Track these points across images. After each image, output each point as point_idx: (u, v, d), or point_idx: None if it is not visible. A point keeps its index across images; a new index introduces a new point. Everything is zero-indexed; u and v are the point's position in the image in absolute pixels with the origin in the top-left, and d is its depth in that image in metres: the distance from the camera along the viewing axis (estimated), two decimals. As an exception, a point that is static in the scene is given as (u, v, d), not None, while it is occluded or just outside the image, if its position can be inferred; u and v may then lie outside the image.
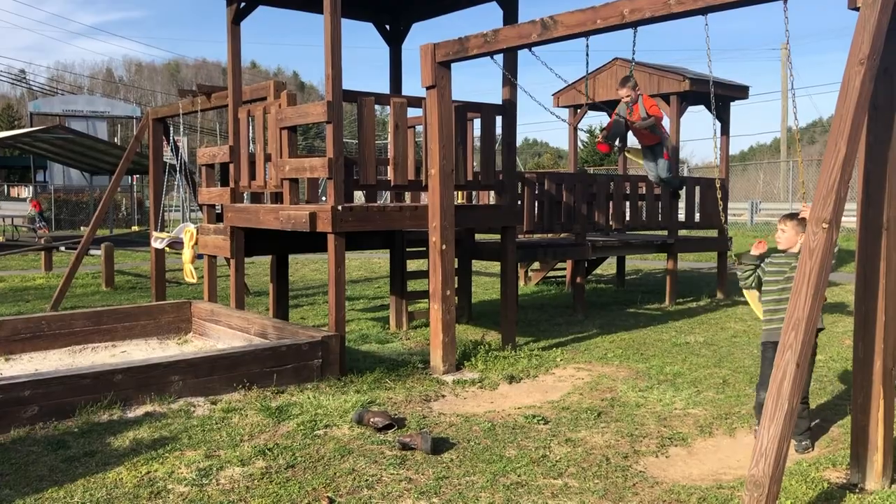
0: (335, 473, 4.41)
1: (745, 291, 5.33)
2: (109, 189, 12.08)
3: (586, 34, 5.46)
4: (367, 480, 4.32)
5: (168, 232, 10.56)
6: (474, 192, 9.96)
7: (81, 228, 26.40)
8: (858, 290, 4.30)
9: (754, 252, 5.07)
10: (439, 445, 4.82)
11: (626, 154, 10.04)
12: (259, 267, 15.29)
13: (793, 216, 5.03)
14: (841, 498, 4.07)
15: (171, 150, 10.80)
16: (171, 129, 10.97)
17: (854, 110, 3.78)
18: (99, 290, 12.54)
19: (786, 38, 4.51)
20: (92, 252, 13.23)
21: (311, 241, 7.86)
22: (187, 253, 9.57)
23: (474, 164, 7.78)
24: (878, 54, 3.88)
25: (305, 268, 16.03)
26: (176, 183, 10.94)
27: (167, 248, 10.57)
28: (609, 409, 5.70)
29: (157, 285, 10.99)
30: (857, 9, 3.98)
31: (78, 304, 10.83)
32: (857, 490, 4.18)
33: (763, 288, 5.03)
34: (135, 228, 21.33)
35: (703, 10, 4.77)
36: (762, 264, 5.05)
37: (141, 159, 15.94)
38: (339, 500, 4.06)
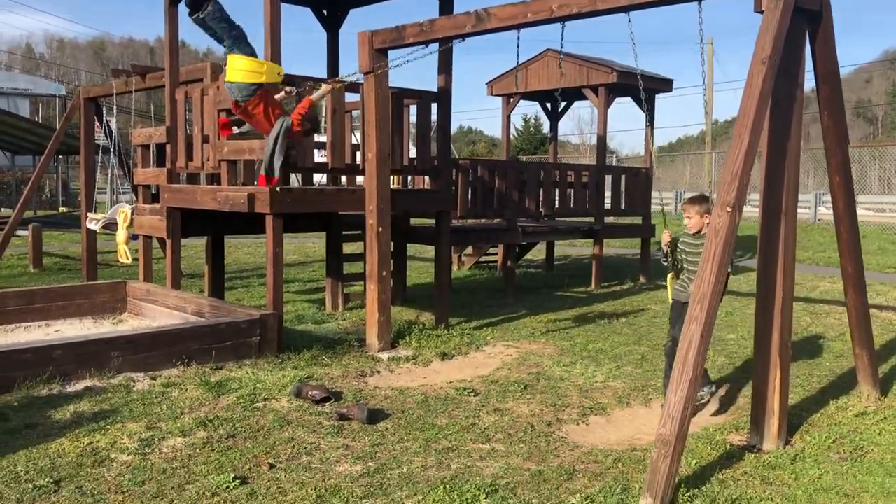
0: (275, 442, 4.62)
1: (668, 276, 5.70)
2: (38, 169, 11.87)
3: (517, 27, 5.75)
4: (305, 448, 4.54)
5: (102, 213, 10.47)
6: (410, 177, 10.18)
7: (2, 210, 25.55)
8: (760, 269, 4.72)
9: (663, 244, 5.53)
10: (375, 416, 5.07)
11: None
12: (191, 250, 15.18)
13: (695, 200, 5.45)
14: (740, 457, 4.49)
15: (104, 131, 10.68)
16: (104, 109, 10.85)
17: (756, 105, 4.16)
18: (26, 272, 12.31)
19: (699, 38, 4.86)
20: (17, 233, 12.97)
21: (247, 223, 7.98)
22: (122, 234, 9.55)
23: (410, 149, 8.00)
24: (778, 54, 4.28)
25: (239, 251, 15.98)
26: (108, 164, 10.83)
27: (101, 230, 10.49)
28: (535, 382, 6.04)
29: (88, 266, 10.90)
30: (761, 12, 4.36)
31: (5, 285, 10.63)
32: (755, 451, 4.61)
33: (684, 264, 5.48)
34: (62, 209, 20.79)
35: (626, 9, 5.10)
36: (678, 248, 5.48)
37: (68, 139, 15.61)
38: (280, 466, 4.27)
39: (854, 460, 4.45)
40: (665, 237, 5.47)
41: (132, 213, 9.18)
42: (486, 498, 3.84)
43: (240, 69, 5.51)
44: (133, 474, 4.08)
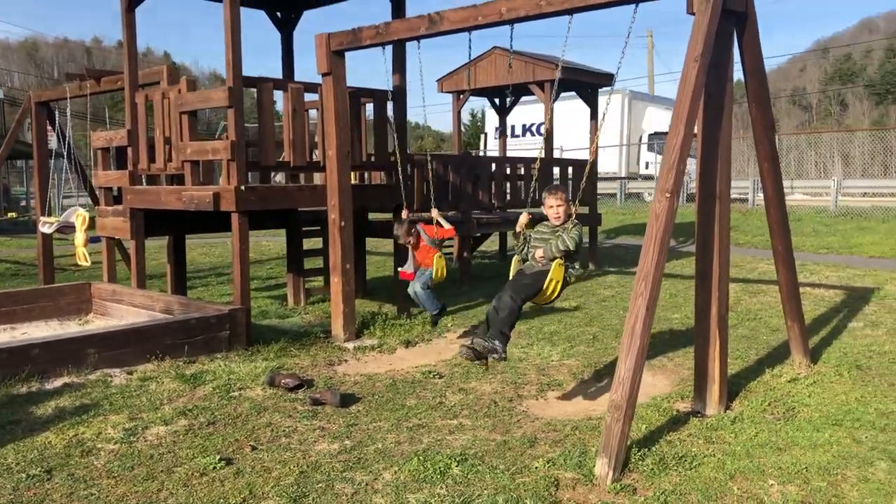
0: (254, 427, 4.89)
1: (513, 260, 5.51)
2: (-11, 174, 11.76)
3: (469, 29, 6.08)
4: (284, 431, 4.82)
5: (56, 217, 10.50)
6: (366, 174, 10.44)
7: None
8: (698, 249, 5.15)
9: (518, 229, 5.38)
10: (347, 399, 5.37)
11: None
12: (147, 252, 15.18)
13: (558, 188, 5.34)
14: (686, 422, 4.92)
15: (57, 135, 10.70)
16: (57, 113, 10.86)
17: (690, 99, 4.57)
18: (-21, 278, 12.22)
19: (627, 35, 5.25)
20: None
21: (208, 222, 8.18)
22: (80, 237, 9.63)
23: (367, 145, 8.28)
24: (709, 52, 4.69)
25: (193, 251, 15.96)
26: (63, 169, 10.85)
27: (55, 233, 10.52)
28: (495, 363, 6.38)
29: (45, 270, 10.91)
30: (693, 13, 4.77)
31: (-39, 291, 10.58)
32: (699, 415, 5.04)
33: (530, 250, 5.36)
34: (11, 215, 20.45)
35: (570, 11, 5.47)
36: (531, 233, 5.39)
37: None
38: (261, 447, 4.54)
39: (786, 420, 4.91)
40: (524, 219, 5.36)
41: (90, 216, 9.27)
42: (457, 466, 4.18)
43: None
44: (122, 461, 4.31)
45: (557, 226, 5.31)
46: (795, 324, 6.08)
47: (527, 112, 28.82)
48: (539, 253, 5.23)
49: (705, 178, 5.02)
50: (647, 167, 29.59)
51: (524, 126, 30.86)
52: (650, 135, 29.32)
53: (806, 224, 18.09)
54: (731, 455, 4.32)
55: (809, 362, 6.14)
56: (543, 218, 5.44)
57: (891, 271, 11.06)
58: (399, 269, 7.74)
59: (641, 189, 27.56)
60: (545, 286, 5.13)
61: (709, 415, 5.05)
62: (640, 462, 4.21)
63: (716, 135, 4.99)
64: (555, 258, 5.12)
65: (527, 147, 27.39)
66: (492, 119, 29.88)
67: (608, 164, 29.18)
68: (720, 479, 4.02)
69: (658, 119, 29.39)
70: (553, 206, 5.30)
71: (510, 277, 5.40)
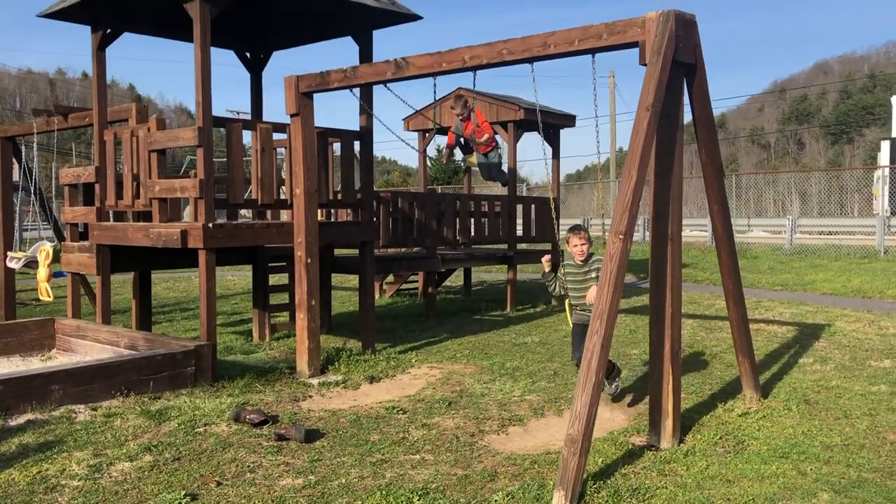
0: (219, 462, 4.95)
1: (566, 303, 6.41)
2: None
3: (434, 75, 6.31)
4: (249, 466, 4.89)
5: (23, 252, 10.47)
6: (332, 210, 10.59)
7: None
8: (652, 288, 5.37)
9: (546, 269, 6.23)
10: (312, 435, 5.46)
11: (468, 162, 11.11)
12: (111, 287, 15.06)
13: (580, 228, 6.17)
14: (641, 455, 5.09)
15: (24, 170, 10.70)
16: (24, 148, 10.86)
17: (643, 146, 4.81)
18: (-62, 313, 12.04)
19: (593, 85, 5.55)
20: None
21: (174, 258, 8.24)
22: (42, 272, 9.61)
23: (335, 184, 8.44)
24: (660, 102, 4.95)
25: (157, 286, 15.90)
26: (29, 204, 10.83)
27: (21, 268, 10.48)
28: (458, 399, 6.54)
29: (6, 306, 10.82)
30: (645, 64, 5.04)
31: (-81, 326, 10.44)
32: (653, 449, 5.22)
33: (569, 290, 6.24)
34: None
35: (530, 60, 5.73)
36: (559, 274, 6.25)
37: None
38: (226, 483, 4.61)
39: (736, 453, 5.11)
40: (547, 259, 6.20)
41: (53, 251, 9.27)
42: (419, 500, 4.29)
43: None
44: (86, 497, 4.35)
45: (582, 262, 6.07)
46: (746, 360, 6.31)
47: None
48: (591, 296, 5.79)
49: (658, 222, 5.26)
50: None
51: None
52: None
53: (762, 261, 18.58)
54: (683, 487, 4.49)
55: (760, 397, 6.36)
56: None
57: (842, 308, 11.44)
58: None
59: None
60: None
61: (663, 448, 5.22)
62: (596, 494, 4.36)
63: (667, 180, 5.24)
64: None
65: None
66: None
67: None
68: (671, 510, 4.18)
69: None
70: (577, 245, 6.05)
71: (570, 322, 6.37)
